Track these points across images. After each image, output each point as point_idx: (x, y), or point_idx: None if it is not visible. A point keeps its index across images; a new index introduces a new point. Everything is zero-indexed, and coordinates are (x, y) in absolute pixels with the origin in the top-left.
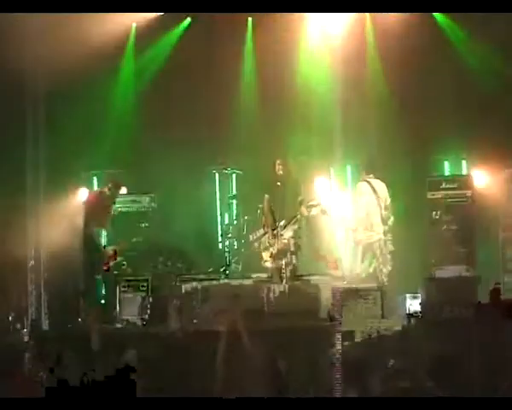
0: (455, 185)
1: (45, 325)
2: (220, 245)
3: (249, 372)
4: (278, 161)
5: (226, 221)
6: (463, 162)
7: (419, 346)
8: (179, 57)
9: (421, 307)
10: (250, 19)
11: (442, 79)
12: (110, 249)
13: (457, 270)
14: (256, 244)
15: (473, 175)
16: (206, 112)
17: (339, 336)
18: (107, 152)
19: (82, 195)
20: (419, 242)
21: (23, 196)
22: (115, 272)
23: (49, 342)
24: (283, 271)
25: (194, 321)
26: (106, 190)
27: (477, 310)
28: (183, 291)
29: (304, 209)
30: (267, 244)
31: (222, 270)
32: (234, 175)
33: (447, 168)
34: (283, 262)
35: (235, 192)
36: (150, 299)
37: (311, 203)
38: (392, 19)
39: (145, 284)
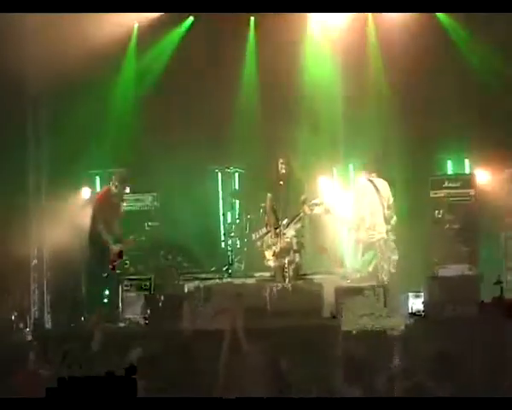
0: (457, 184)
1: (48, 324)
2: (223, 244)
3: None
4: (281, 160)
5: (229, 220)
6: (466, 161)
7: (422, 345)
8: (182, 56)
9: (424, 306)
10: (252, 18)
11: (445, 79)
12: (116, 248)
13: (460, 269)
14: (259, 243)
15: (475, 174)
16: (208, 111)
17: (342, 334)
18: (109, 151)
19: (84, 194)
20: (421, 241)
21: (25, 195)
22: (118, 271)
23: (52, 341)
24: (286, 270)
25: (197, 320)
26: (112, 187)
27: (480, 309)
28: (186, 290)
29: (307, 208)
30: (270, 243)
31: (225, 269)
32: (236, 174)
33: (450, 167)
34: (286, 261)
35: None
36: (152, 297)
37: (313, 202)
38: (394, 18)
39: (148, 283)
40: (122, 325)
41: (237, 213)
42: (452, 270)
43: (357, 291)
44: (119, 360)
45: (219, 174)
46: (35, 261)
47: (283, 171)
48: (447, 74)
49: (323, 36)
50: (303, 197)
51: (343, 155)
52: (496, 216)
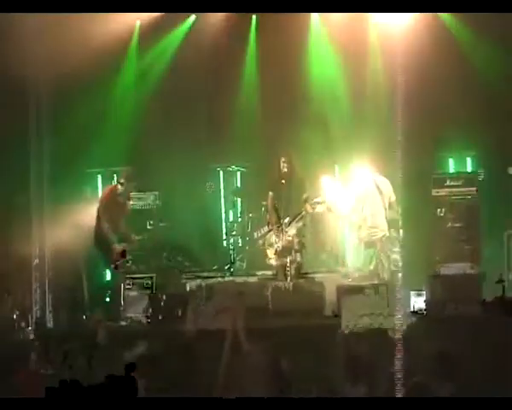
0: (459, 182)
1: (50, 323)
2: (225, 243)
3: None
4: (283, 159)
5: (231, 219)
6: (468, 159)
7: (423, 343)
8: (184, 55)
9: (426, 305)
10: (254, 16)
11: (448, 77)
12: (119, 247)
13: (462, 267)
14: (260, 242)
15: (477, 172)
16: (210, 109)
17: (342, 333)
18: (111, 150)
19: (86, 193)
20: (423, 239)
21: (27, 194)
22: (121, 270)
23: (54, 340)
24: (288, 268)
25: (199, 319)
26: (118, 186)
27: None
28: (188, 289)
29: (308, 207)
30: (272, 242)
31: (226, 267)
32: (238, 172)
33: (452, 165)
34: (288, 260)
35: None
36: (154, 296)
37: (315, 200)
38: (396, 17)
39: (149, 282)
40: (124, 323)
41: (239, 211)
42: (454, 268)
43: (358, 290)
44: (121, 358)
45: (221, 173)
46: (37, 261)
47: (285, 169)
48: (450, 73)
49: (326, 33)
50: (305, 196)
51: (345, 154)
52: (497, 214)
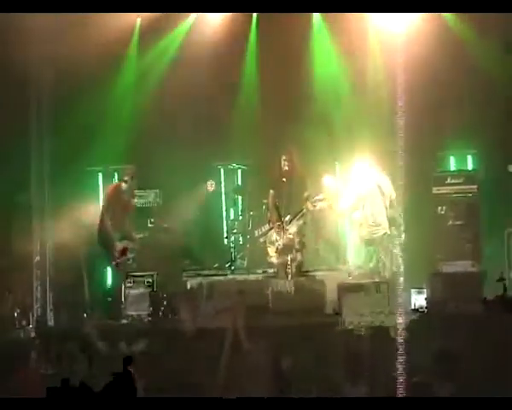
0: (460, 180)
1: (51, 321)
2: (225, 241)
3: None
4: (284, 157)
5: (231, 217)
6: (469, 157)
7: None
8: (185, 53)
9: (427, 302)
10: (255, 15)
11: (448, 75)
12: (120, 245)
13: (463, 265)
14: (261, 240)
15: (478, 170)
16: (211, 108)
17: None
18: (112, 148)
19: (86, 191)
20: (424, 237)
21: (28, 192)
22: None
23: (55, 338)
24: (289, 266)
25: (199, 317)
26: (123, 183)
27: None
28: (189, 287)
29: (309, 204)
30: (272, 240)
31: (227, 265)
32: (239, 171)
33: (453, 163)
34: (289, 258)
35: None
36: (155, 295)
37: (316, 198)
38: (398, 16)
39: (150, 280)
40: (124, 321)
41: (240, 209)
42: (455, 266)
43: (359, 288)
44: (121, 356)
45: (222, 171)
46: (37, 258)
47: (286, 167)
48: (450, 71)
49: (327, 30)
50: (306, 194)
51: (346, 152)
52: (498, 212)
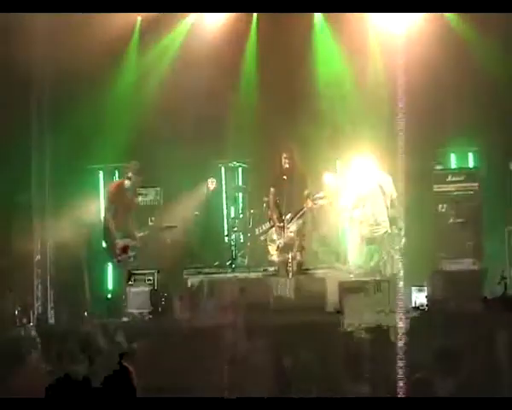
0: (461, 178)
1: (51, 320)
2: (226, 239)
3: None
4: (284, 155)
5: (232, 215)
6: (470, 155)
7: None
8: (186, 52)
9: (427, 300)
10: (255, 15)
11: (449, 73)
12: (121, 243)
13: (464, 263)
14: (262, 238)
15: (479, 168)
16: (212, 106)
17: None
18: (112, 146)
19: (87, 189)
20: (425, 235)
21: (29, 191)
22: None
23: (55, 336)
24: (289, 264)
25: (199, 315)
26: (126, 181)
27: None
28: (189, 285)
29: (310, 203)
30: (273, 238)
31: (228, 264)
32: (240, 169)
33: (454, 161)
34: (289, 256)
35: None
36: (156, 293)
37: (317, 196)
38: (399, 16)
39: (151, 278)
40: (126, 319)
41: (240, 207)
42: (456, 264)
43: (360, 286)
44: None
45: (223, 169)
46: (38, 257)
47: (287, 165)
48: (451, 69)
49: (327, 28)
50: (306, 192)
51: (347, 150)
52: (500, 210)
